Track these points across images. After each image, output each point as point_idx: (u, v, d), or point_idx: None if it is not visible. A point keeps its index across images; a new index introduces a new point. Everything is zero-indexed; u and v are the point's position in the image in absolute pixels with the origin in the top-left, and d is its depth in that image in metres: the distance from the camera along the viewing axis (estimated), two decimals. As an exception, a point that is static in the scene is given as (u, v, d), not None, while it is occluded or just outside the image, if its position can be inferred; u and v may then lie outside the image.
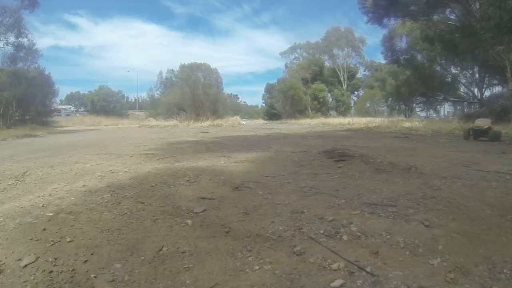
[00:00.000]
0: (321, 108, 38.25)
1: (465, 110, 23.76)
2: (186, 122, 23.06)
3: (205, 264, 1.81)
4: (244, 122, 29.67)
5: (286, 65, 47.21)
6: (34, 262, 1.72)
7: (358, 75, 46.03)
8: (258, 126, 23.52)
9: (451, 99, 24.39)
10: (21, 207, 2.52)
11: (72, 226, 2.19)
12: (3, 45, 19.62)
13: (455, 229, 2.09)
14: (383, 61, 29.62)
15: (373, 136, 11.34)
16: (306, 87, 38.63)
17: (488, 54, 14.70)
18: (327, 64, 44.62)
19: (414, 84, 22.88)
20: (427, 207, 2.51)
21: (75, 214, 2.41)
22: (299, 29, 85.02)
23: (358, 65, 45.90)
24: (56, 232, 2.07)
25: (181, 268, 1.78)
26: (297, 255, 1.86)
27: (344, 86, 43.25)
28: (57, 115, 29.91)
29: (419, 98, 25.18)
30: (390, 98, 30.87)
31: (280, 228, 2.26)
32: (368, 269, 1.65)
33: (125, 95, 54.76)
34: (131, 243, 2.04)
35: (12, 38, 19.73)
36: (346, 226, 2.21)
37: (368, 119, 22.70)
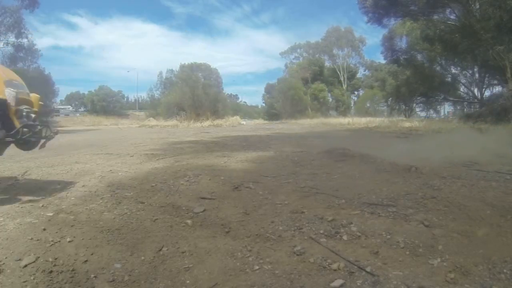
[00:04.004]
0: (321, 108, 38.28)
1: (465, 110, 23.77)
2: (186, 122, 23.06)
3: (205, 264, 1.81)
4: (244, 122, 29.67)
5: (286, 65, 47.25)
6: (34, 262, 1.72)
7: (358, 75, 46.08)
8: (258, 126, 23.52)
9: (451, 99, 24.39)
10: (21, 207, 2.52)
11: (72, 226, 2.19)
12: (3, 45, 19.65)
13: (455, 229, 2.09)
14: (383, 61, 29.71)
15: (373, 136, 11.34)
16: (306, 87, 38.66)
17: (488, 54, 14.71)
18: (327, 64, 44.66)
19: (414, 84, 22.88)
20: (427, 207, 2.51)
21: (75, 214, 2.41)
22: (299, 29, 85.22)
23: (358, 65, 45.95)
24: (56, 232, 2.06)
25: (181, 268, 1.78)
26: (297, 255, 1.86)
27: (344, 86, 43.26)
28: (56, 115, 29.91)
29: (419, 98, 25.18)
30: (390, 98, 30.86)
31: (280, 228, 2.26)
32: (368, 269, 1.65)
33: (125, 95, 54.92)
34: (131, 243, 2.04)
35: (12, 38, 19.77)
36: (346, 226, 2.21)
37: (368, 119, 22.70)
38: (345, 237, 2.06)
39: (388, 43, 23.20)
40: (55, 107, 31.47)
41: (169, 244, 2.04)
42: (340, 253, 1.84)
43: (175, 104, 27.46)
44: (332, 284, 1.55)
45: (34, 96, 3.15)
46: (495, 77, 19.83)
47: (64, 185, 3.38)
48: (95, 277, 1.68)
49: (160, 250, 1.97)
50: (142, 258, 1.88)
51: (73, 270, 1.71)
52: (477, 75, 22.60)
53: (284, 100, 37.27)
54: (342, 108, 40.40)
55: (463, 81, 23.94)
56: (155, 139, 10.41)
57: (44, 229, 2.09)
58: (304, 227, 2.25)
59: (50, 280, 1.61)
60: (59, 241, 1.96)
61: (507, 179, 3.41)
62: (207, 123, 22.39)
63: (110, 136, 13.23)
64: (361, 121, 20.49)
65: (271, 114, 39.77)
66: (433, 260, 1.73)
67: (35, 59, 21.63)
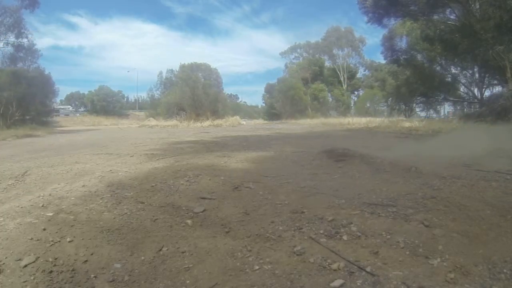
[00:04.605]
0: (321, 108, 38.24)
1: (465, 110, 23.75)
2: (186, 122, 23.08)
3: (205, 264, 1.81)
4: (244, 122, 29.68)
5: (286, 65, 47.24)
6: (34, 262, 1.72)
7: (358, 75, 46.06)
8: (258, 126, 23.54)
9: (451, 99, 24.36)
10: (21, 207, 2.52)
11: (72, 226, 2.19)
12: (3, 45, 19.64)
13: (455, 229, 2.09)
14: (383, 61, 29.66)
15: (373, 136, 11.34)
16: (306, 87, 38.66)
17: (488, 54, 14.69)
18: (327, 64, 44.65)
19: (414, 84, 22.86)
20: (427, 207, 2.51)
21: (75, 214, 2.41)
22: (299, 29, 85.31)
23: (358, 65, 45.93)
24: (56, 232, 2.07)
25: (181, 268, 1.78)
26: (297, 255, 1.86)
27: (344, 86, 43.27)
28: (56, 115, 29.91)
29: (419, 98, 25.14)
30: (390, 98, 30.87)
31: (280, 228, 2.26)
32: (368, 269, 1.65)
33: (125, 95, 54.92)
34: (131, 243, 2.04)
35: (12, 38, 19.74)
36: (346, 226, 2.21)
37: (368, 119, 22.68)
38: (345, 237, 2.06)
39: (388, 43, 23.19)
40: (55, 107, 31.41)
41: (169, 244, 2.04)
42: (340, 253, 1.84)
43: (175, 104, 27.47)
44: (332, 284, 1.55)
45: None
46: (495, 77, 19.80)
47: (64, 185, 3.38)
48: (95, 277, 1.68)
49: (160, 250, 1.97)
50: (142, 258, 1.88)
51: (73, 270, 1.71)
52: (477, 75, 22.56)
53: (284, 100, 37.27)
54: (342, 108, 40.37)
55: (463, 81, 23.90)
56: (155, 139, 10.41)
57: (44, 229, 2.09)
58: (304, 227, 2.24)
59: (50, 280, 1.62)
60: (59, 241, 1.96)
61: (507, 179, 3.41)
62: (207, 123, 22.40)
63: (110, 136, 13.23)
64: (361, 121, 20.47)
65: (271, 114, 39.77)
66: (433, 260, 1.73)
67: (35, 59, 21.55)
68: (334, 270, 1.67)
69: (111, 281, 1.65)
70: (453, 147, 6.49)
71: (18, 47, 20.07)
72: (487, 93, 22.29)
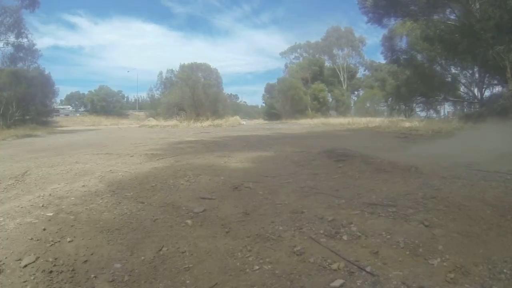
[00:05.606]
0: (321, 108, 38.21)
1: (465, 110, 23.75)
2: (186, 122, 23.07)
3: (205, 264, 1.81)
4: (244, 122, 29.71)
5: (286, 65, 47.24)
6: (34, 262, 1.72)
7: (358, 75, 46.08)
8: (258, 126, 23.54)
9: (451, 99, 24.33)
10: (21, 207, 2.52)
11: (72, 226, 2.19)
12: (3, 45, 19.61)
13: (455, 229, 2.09)
14: (383, 61, 29.64)
15: (373, 136, 11.34)
16: (306, 87, 38.62)
17: (488, 54, 14.68)
18: (327, 64, 44.63)
19: (414, 84, 22.86)
20: (427, 207, 2.51)
21: (75, 214, 2.42)
22: (299, 29, 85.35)
23: (358, 65, 45.94)
24: (56, 232, 2.07)
25: (181, 268, 1.78)
26: (297, 255, 1.86)
27: (344, 86, 43.28)
28: (56, 115, 29.90)
29: (419, 98, 25.14)
30: (390, 98, 30.84)
31: (280, 228, 2.26)
32: (368, 269, 1.65)
33: (125, 95, 54.88)
34: (131, 243, 2.04)
35: (12, 38, 19.71)
36: (346, 226, 2.21)
37: (368, 119, 22.69)
38: (345, 237, 2.06)
39: (388, 43, 23.17)
40: (55, 107, 31.36)
41: (169, 244, 2.04)
42: (340, 253, 1.84)
43: (175, 104, 27.49)
44: (332, 284, 1.55)
45: None
46: (495, 77, 19.77)
47: (64, 185, 3.38)
48: (95, 277, 1.68)
49: (160, 250, 1.97)
50: (142, 258, 1.88)
51: (73, 270, 1.71)
52: (477, 75, 22.53)
53: (284, 100, 37.24)
54: (342, 108, 40.35)
55: (463, 81, 23.87)
56: (155, 139, 10.41)
57: (44, 229, 2.09)
58: (304, 227, 2.25)
59: (50, 280, 1.62)
60: (59, 241, 1.96)
61: (507, 179, 3.40)
62: (207, 123, 22.40)
63: (110, 136, 13.23)
64: (361, 121, 20.49)
65: (271, 114, 39.73)
66: (433, 260, 1.73)
67: (35, 59, 21.52)
68: (334, 270, 1.67)
69: (111, 281, 1.65)
70: (454, 147, 6.49)
71: (18, 47, 20.03)
72: (487, 93, 22.28)
